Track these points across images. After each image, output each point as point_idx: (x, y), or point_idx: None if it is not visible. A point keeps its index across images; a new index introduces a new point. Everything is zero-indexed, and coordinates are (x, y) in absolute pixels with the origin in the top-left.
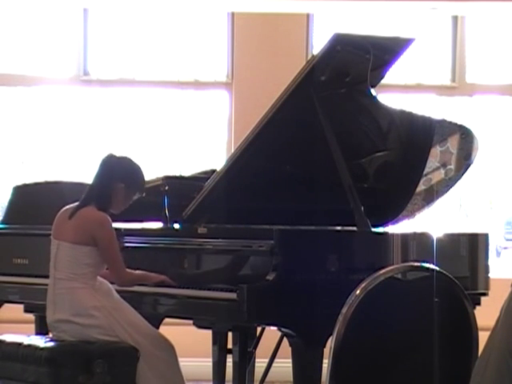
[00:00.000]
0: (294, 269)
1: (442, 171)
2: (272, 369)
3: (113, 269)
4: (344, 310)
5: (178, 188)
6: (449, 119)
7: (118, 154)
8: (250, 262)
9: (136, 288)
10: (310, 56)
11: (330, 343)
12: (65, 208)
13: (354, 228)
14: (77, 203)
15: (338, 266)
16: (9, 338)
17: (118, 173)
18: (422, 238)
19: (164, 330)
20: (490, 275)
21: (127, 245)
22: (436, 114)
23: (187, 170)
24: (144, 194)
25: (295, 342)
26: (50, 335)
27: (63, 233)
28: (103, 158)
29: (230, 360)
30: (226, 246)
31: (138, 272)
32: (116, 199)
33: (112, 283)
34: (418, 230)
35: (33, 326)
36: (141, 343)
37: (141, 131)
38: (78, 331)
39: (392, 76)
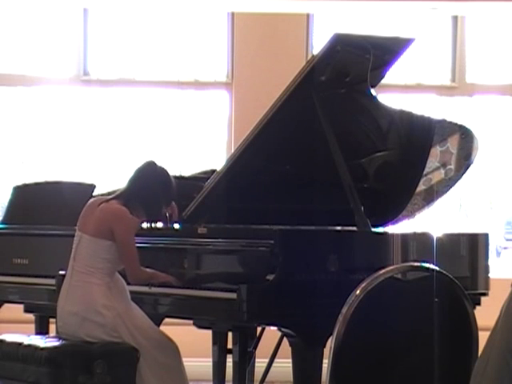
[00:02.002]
0: (294, 269)
1: (442, 171)
2: (272, 369)
3: (128, 264)
4: (344, 310)
5: (177, 188)
6: (449, 119)
7: (158, 164)
8: (250, 262)
9: (136, 288)
10: (310, 56)
11: (330, 343)
12: (92, 200)
13: (354, 228)
14: (106, 197)
15: (338, 266)
16: (9, 337)
17: (159, 183)
18: (421, 238)
19: (164, 329)
20: (489, 275)
21: None
22: (436, 114)
23: (187, 170)
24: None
25: (295, 342)
26: (54, 330)
27: (86, 225)
28: (146, 162)
29: (230, 360)
30: (226, 246)
31: (150, 270)
32: (147, 207)
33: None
34: (418, 230)
35: (33, 325)
36: (144, 346)
37: (141, 131)
38: (83, 327)
39: (392, 76)
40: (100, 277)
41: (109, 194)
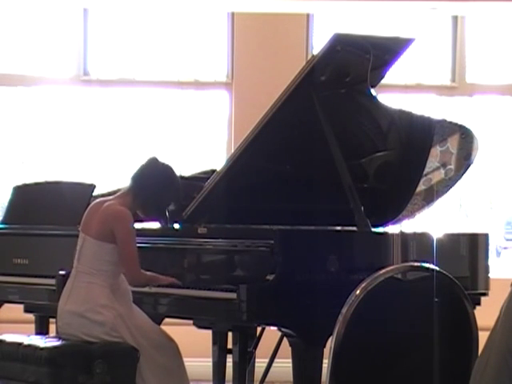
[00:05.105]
0: (294, 269)
1: (442, 171)
2: (272, 369)
3: (127, 265)
4: (344, 310)
5: None
6: (449, 119)
7: (162, 160)
8: (250, 262)
9: (136, 288)
10: (310, 56)
11: (330, 343)
12: (96, 201)
13: (354, 228)
14: (109, 197)
15: (338, 266)
16: (9, 337)
17: (161, 180)
18: (422, 238)
19: (164, 330)
20: (489, 275)
21: None
22: (436, 114)
23: (187, 170)
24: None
25: (295, 342)
26: (54, 330)
27: (89, 227)
28: (148, 159)
29: (230, 360)
30: (226, 246)
31: (150, 273)
32: (150, 205)
33: None
34: (418, 230)
35: (33, 325)
36: (145, 347)
37: (141, 131)
38: (83, 326)
39: (392, 76)
40: (104, 279)
41: (109, 194)
